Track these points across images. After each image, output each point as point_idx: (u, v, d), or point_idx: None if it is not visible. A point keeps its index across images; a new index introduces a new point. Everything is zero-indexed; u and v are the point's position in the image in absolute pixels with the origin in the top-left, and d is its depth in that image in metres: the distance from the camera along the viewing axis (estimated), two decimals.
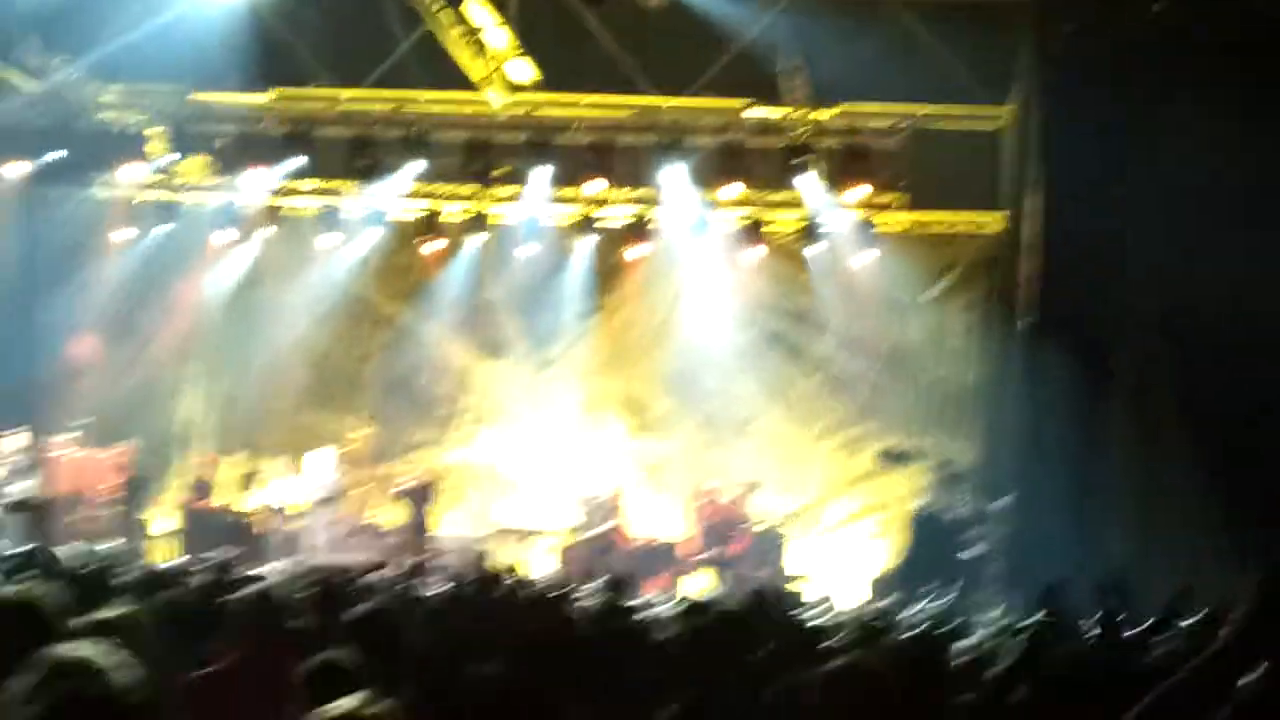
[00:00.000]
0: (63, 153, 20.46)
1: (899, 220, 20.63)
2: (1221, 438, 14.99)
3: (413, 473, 19.14)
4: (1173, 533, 15.39)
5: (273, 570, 12.10)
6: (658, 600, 9.48)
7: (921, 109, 19.58)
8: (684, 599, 10.32)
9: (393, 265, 22.15)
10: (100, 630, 4.91)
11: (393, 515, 20.08)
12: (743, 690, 5.22)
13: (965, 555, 16.81)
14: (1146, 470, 16.29)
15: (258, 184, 20.76)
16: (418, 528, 18.38)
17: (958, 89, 19.12)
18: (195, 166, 21.51)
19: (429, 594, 9.59)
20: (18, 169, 20.72)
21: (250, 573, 11.65)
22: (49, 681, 2.48)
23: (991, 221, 20.19)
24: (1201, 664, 2.47)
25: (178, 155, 20.76)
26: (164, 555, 18.22)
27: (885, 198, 20.34)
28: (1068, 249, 16.49)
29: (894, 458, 18.88)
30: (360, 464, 20.98)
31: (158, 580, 8.86)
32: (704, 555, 18.47)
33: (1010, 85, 18.77)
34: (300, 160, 20.13)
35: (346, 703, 3.11)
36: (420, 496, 18.62)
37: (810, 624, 9.22)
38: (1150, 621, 7.95)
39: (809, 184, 19.74)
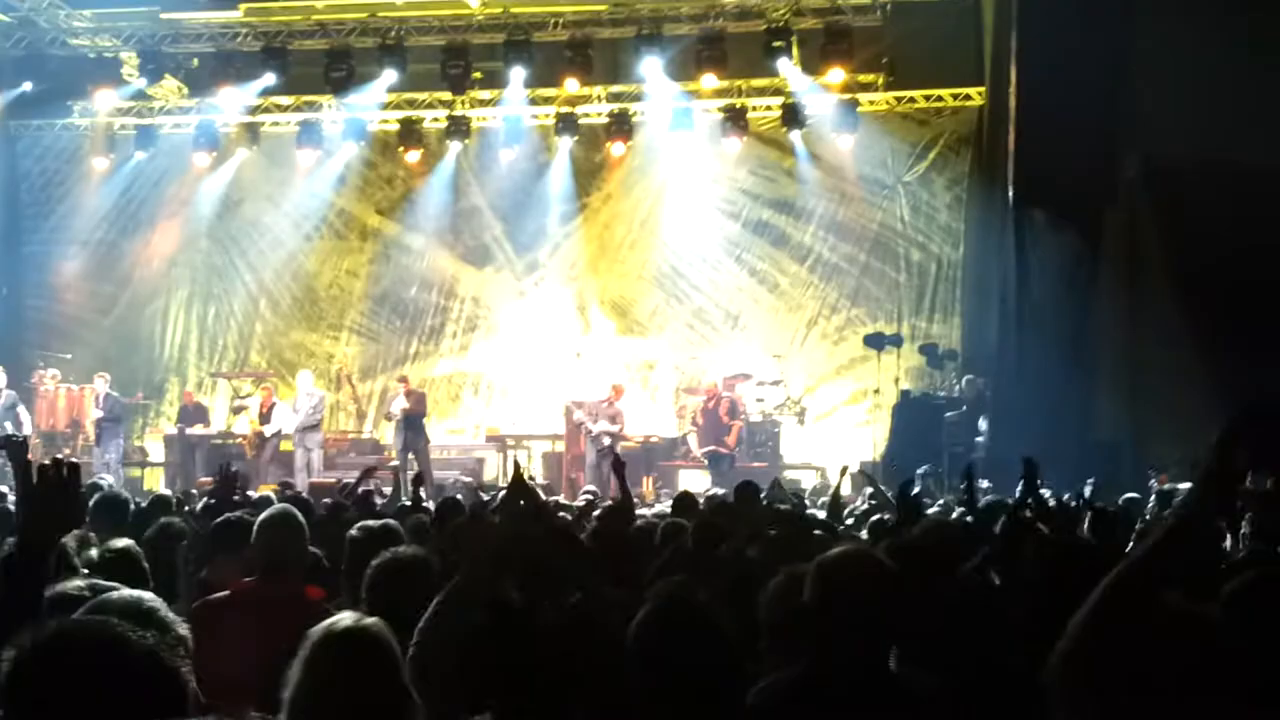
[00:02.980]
0: (30, 84, 20.27)
1: (882, 99, 20.48)
2: (1211, 295, 14.99)
3: (404, 391, 19.06)
4: (1165, 396, 15.45)
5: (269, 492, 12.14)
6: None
7: None
8: (679, 493, 10.39)
9: (375, 177, 22.07)
10: (106, 564, 4.98)
11: (386, 432, 20.22)
12: (735, 579, 5.26)
13: (953, 435, 16.88)
14: (1137, 334, 16.32)
15: (235, 103, 20.57)
16: (412, 445, 18.29)
17: None
18: (171, 89, 21.34)
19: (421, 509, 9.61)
20: None
21: (246, 495, 11.75)
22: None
23: (974, 95, 20.05)
24: (1168, 530, 2.50)
25: (154, 78, 20.53)
26: (157, 482, 18.36)
27: (867, 77, 20.18)
28: (1050, 117, 16.37)
29: (881, 342, 18.85)
30: (351, 380, 21.02)
31: (155, 508, 8.92)
32: (700, 449, 18.51)
33: None
34: (273, 76, 19.88)
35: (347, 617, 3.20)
36: (410, 418, 18.51)
37: (805, 512, 9.32)
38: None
39: (790, 68, 19.54)
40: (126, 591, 3.16)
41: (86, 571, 4.63)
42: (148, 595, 3.08)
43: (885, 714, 3.53)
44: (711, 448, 18.04)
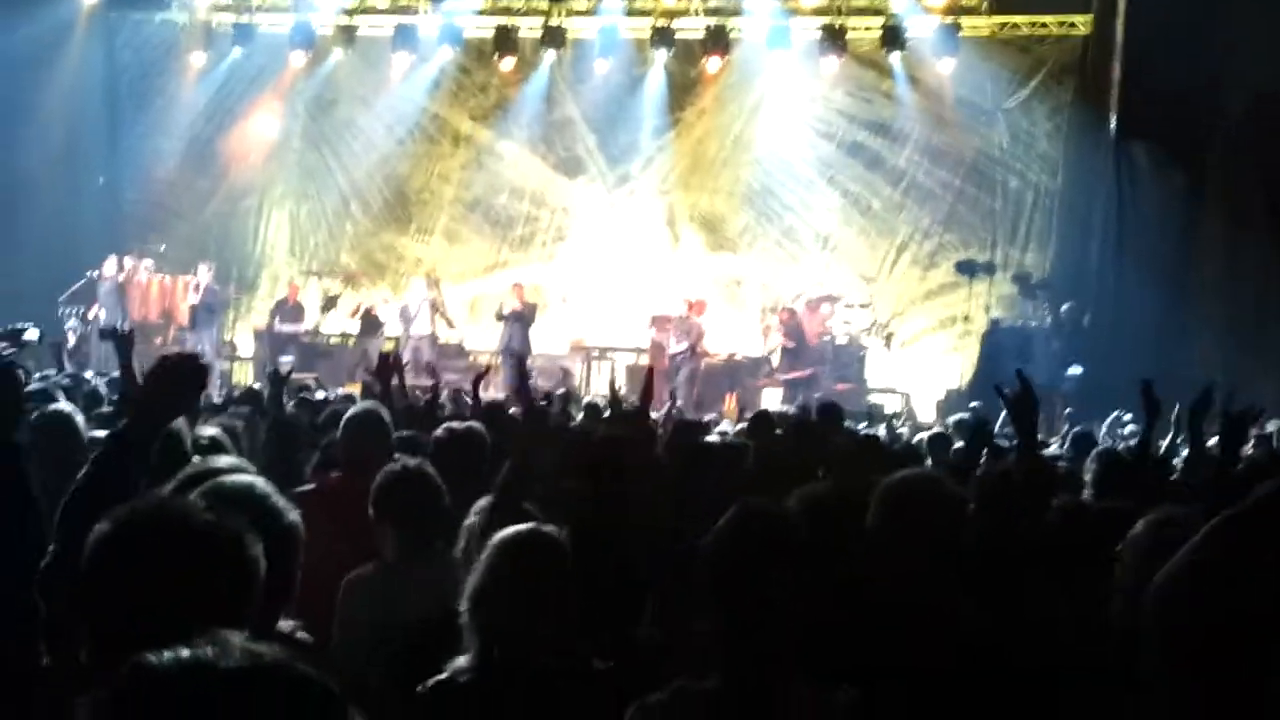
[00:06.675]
0: None
1: (986, 24, 20.05)
2: None
3: (510, 295, 19.14)
4: (1261, 338, 15.17)
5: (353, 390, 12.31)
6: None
7: None
8: (757, 411, 10.38)
9: (469, 84, 22.03)
10: (206, 447, 5.08)
11: (487, 336, 20.32)
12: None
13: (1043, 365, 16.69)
14: (1236, 273, 16.02)
15: (332, 3, 20.62)
16: (517, 349, 18.51)
17: None
18: None
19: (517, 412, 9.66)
20: None
21: (338, 392, 11.95)
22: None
23: (1080, 24, 19.58)
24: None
25: None
26: (246, 375, 18.63)
27: (970, 1, 19.78)
28: (1156, 49, 16.00)
29: (973, 269, 18.60)
30: (440, 284, 21.13)
31: (247, 399, 9.10)
32: (782, 369, 18.50)
33: None
34: None
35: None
36: (521, 319, 18.67)
37: (882, 434, 9.31)
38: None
39: None
40: (241, 477, 3.21)
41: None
42: (260, 481, 3.12)
43: (939, 642, 3.48)
44: (794, 364, 18.11)
